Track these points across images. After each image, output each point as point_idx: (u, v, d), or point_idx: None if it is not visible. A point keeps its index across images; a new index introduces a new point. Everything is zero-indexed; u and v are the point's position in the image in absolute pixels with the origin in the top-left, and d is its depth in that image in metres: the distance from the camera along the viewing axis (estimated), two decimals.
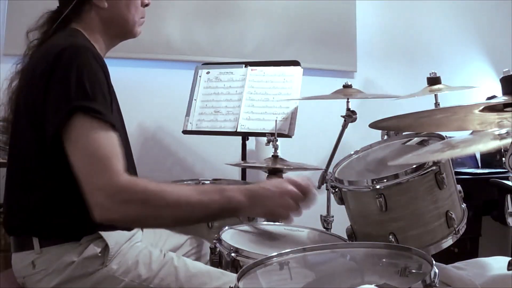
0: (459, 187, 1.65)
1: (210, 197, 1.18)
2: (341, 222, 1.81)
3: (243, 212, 1.29)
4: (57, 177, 1.19)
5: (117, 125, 1.23)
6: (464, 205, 1.65)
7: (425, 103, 2.06)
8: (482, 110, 1.16)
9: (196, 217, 1.23)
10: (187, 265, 1.32)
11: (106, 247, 1.24)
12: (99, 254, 1.23)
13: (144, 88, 2.76)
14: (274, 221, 1.56)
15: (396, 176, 1.51)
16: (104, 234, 1.25)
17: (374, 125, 1.39)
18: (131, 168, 1.40)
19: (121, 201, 1.09)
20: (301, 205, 1.31)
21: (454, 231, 1.53)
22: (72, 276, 1.21)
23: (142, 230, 1.50)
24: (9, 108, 1.35)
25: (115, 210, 1.10)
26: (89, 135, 1.13)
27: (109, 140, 1.15)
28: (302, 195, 1.31)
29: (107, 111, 1.17)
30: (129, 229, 1.34)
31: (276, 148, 1.92)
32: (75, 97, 1.14)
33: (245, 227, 1.70)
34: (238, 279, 1.06)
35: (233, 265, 1.40)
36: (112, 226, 1.25)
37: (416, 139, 1.75)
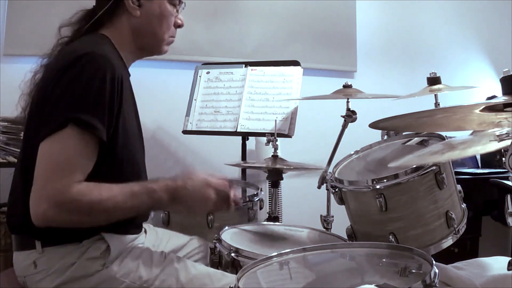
0: (459, 187, 1.65)
1: (141, 200, 1.21)
2: (341, 222, 1.81)
3: (167, 209, 1.41)
4: None
5: (128, 137, 1.27)
6: (464, 205, 1.65)
7: (425, 103, 2.05)
8: (482, 110, 1.16)
9: (126, 218, 1.26)
10: (188, 266, 1.32)
11: (107, 249, 1.24)
12: (100, 255, 1.24)
13: (144, 88, 2.75)
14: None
15: (396, 176, 1.51)
16: (106, 235, 1.25)
17: (374, 125, 1.39)
18: (142, 173, 1.41)
19: (66, 211, 1.12)
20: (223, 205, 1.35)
21: (454, 231, 1.53)
22: (73, 277, 1.21)
23: (146, 233, 1.51)
24: (29, 101, 1.34)
25: (57, 218, 1.12)
26: (67, 144, 1.14)
27: (82, 152, 1.16)
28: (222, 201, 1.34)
29: (101, 126, 1.17)
30: (131, 232, 1.35)
31: (276, 148, 1.92)
32: (74, 107, 1.15)
33: (245, 227, 1.70)
34: (238, 279, 1.06)
35: (233, 265, 1.40)
36: (114, 229, 1.26)
37: (416, 139, 1.76)
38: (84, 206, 1.14)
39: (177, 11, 1.44)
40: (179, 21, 1.45)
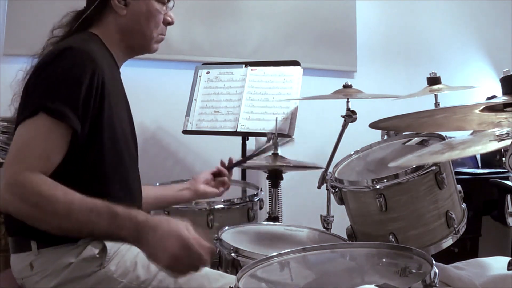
0: (459, 187, 1.65)
1: (99, 218, 1.11)
2: (341, 222, 1.81)
3: (126, 242, 1.17)
4: (55, 178, 1.19)
5: (119, 134, 1.26)
6: (464, 205, 1.65)
7: (425, 103, 2.05)
8: (482, 110, 1.16)
9: (83, 233, 1.17)
10: None
11: (104, 249, 1.24)
12: (97, 256, 1.23)
13: (144, 88, 2.76)
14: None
15: (396, 176, 1.51)
16: None
17: (374, 125, 1.39)
18: (134, 169, 1.40)
19: (15, 196, 1.09)
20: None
21: (454, 231, 1.53)
22: (70, 278, 1.20)
23: None
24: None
25: (10, 202, 1.09)
26: (35, 132, 1.14)
27: (50, 142, 1.15)
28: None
29: (74, 116, 1.16)
30: None
31: (276, 146, 1.92)
32: (46, 97, 1.15)
33: (245, 227, 1.71)
34: (238, 279, 1.06)
35: (233, 265, 1.40)
36: None
37: (416, 139, 1.76)
38: (29, 196, 1.09)
39: (166, 8, 1.43)
40: (168, 19, 1.43)
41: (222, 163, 1.74)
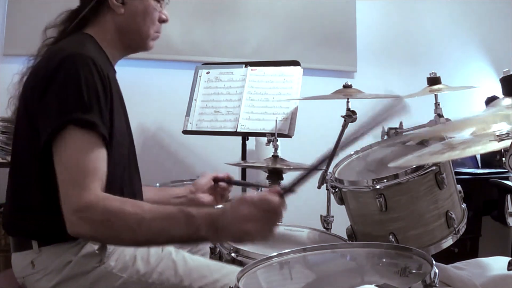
0: (459, 187, 1.65)
1: (174, 223, 1.10)
2: (341, 222, 1.81)
3: (205, 242, 1.21)
4: (53, 178, 1.19)
5: (119, 136, 1.25)
6: (464, 205, 1.65)
7: (425, 103, 2.06)
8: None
9: (160, 242, 1.19)
10: (185, 258, 1.32)
11: (103, 245, 1.24)
12: (97, 252, 1.23)
13: (144, 88, 2.76)
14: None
15: (396, 176, 1.51)
16: None
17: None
18: (134, 170, 1.40)
19: (83, 219, 1.09)
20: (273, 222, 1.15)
21: (454, 231, 1.53)
22: (71, 275, 1.21)
23: None
24: (17, 105, 1.34)
25: (80, 226, 1.10)
26: (75, 148, 1.13)
27: (93, 155, 1.15)
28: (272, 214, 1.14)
29: (101, 123, 1.17)
30: None
31: (276, 148, 1.92)
32: (71, 108, 1.14)
33: None
34: (238, 279, 1.06)
35: (233, 265, 1.40)
36: None
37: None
38: (98, 216, 1.09)
39: (161, 6, 1.43)
40: (163, 16, 1.44)
41: (228, 177, 1.72)
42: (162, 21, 1.45)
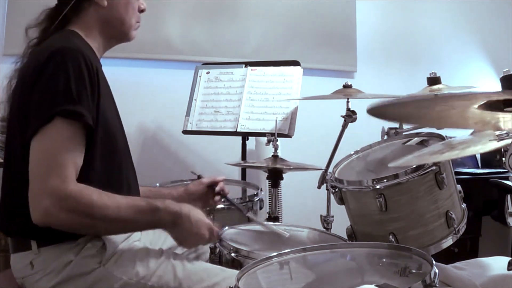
0: (459, 187, 1.65)
1: (144, 217, 1.24)
2: (341, 222, 1.81)
3: (165, 230, 1.35)
4: None
5: (112, 126, 1.27)
6: (464, 205, 1.65)
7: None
8: (481, 108, 1.15)
9: (128, 230, 1.31)
10: (185, 262, 1.32)
11: (103, 246, 1.25)
12: (97, 253, 1.24)
13: (144, 88, 2.76)
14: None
15: (396, 176, 1.51)
16: None
17: (372, 112, 1.37)
18: (130, 168, 1.40)
19: (66, 209, 1.13)
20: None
21: (454, 231, 1.53)
22: (70, 276, 1.21)
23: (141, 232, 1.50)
24: (7, 109, 1.35)
25: (58, 216, 1.13)
26: (60, 138, 1.16)
27: (75, 146, 1.18)
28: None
29: (88, 114, 1.19)
30: None
31: (276, 148, 1.92)
32: (59, 101, 1.16)
33: (245, 227, 1.70)
34: (238, 279, 1.06)
35: (233, 265, 1.40)
36: None
37: (416, 139, 1.76)
38: (83, 207, 1.14)
39: None
40: (142, 6, 1.48)
41: (223, 192, 1.74)
42: (141, 10, 1.49)
